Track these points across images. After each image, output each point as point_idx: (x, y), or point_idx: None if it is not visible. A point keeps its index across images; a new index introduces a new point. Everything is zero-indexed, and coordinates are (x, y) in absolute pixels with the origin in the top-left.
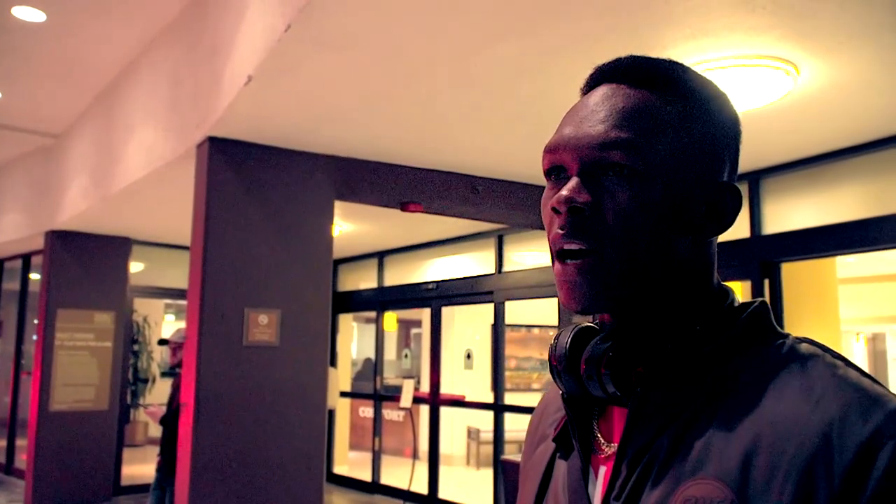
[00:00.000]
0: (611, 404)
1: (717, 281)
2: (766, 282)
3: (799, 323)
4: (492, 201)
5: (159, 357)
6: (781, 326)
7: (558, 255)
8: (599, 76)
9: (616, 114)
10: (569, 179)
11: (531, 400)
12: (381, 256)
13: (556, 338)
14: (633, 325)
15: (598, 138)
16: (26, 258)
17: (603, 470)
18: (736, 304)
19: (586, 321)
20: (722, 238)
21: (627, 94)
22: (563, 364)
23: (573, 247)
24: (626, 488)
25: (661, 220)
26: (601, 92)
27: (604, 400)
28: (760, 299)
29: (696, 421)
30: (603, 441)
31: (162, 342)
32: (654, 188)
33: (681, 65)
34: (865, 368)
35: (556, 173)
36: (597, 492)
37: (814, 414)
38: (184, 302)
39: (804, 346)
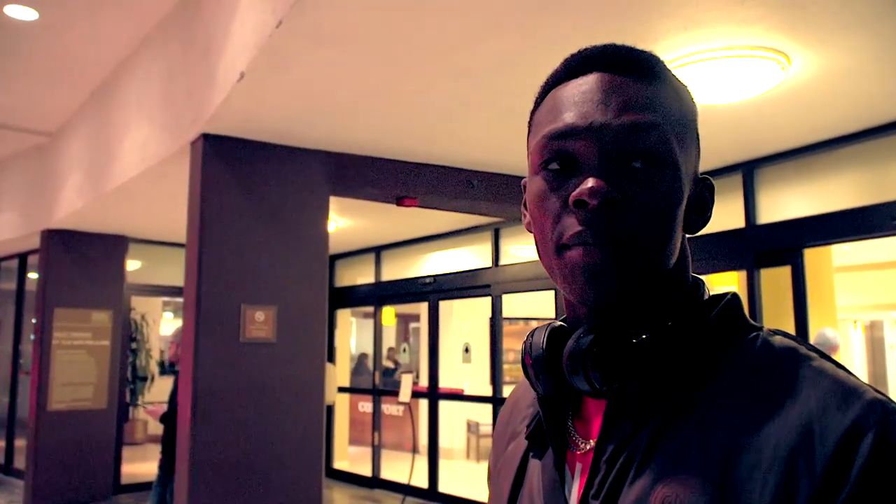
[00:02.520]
0: (593, 397)
1: (690, 274)
2: (761, 272)
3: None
4: (487, 195)
5: (158, 355)
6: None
7: (575, 245)
8: (585, 63)
9: (634, 103)
10: (580, 170)
11: None
12: (378, 251)
13: (530, 336)
14: (614, 319)
15: (625, 126)
16: (23, 257)
17: (579, 467)
18: (707, 297)
19: (557, 320)
20: (717, 228)
21: (632, 84)
22: (540, 364)
23: (602, 239)
24: (605, 486)
25: (678, 215)
26: (600, 79)
27: (583, 395)
28: (732, 291)
29: (675, 417)
30: (579, 438)
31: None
32: (675, 180)
33: (655, 55)
34: (864, 356)
35: (560, 162)
36: (573, 490)
37: (792, 408)
38: (181, 299)
39: (778, 339)
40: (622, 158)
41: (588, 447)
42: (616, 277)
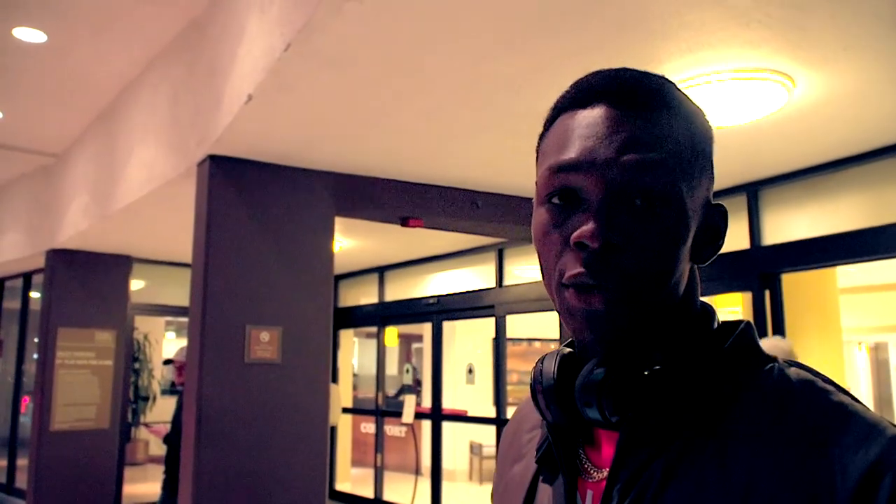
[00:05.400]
0: (605, 428)
1: (699, 301)
2: (767, 293)
3: (801, 333)
4: (492, 215)
5: (160, 375)
6: (783, 337)
7: (575, 287)
8: (593, 94)
9: (639, 139)
10: (582, 206)
11: None
12: (381, 272)
13: (540, 363)
14: (623, 350)
15: (628, 164)
16: (27, 277)
17: (590, 494)
18: (718, 325)
19: (564, 345)
20: (722, 249)
21: (639, 119)
22: (551, 393)
23: (600, 284)
24: None
25: (683, 250)
26: (606, 113)
27: (592, 425)
28: (745, 320)
29: (691, 449)
30: (591, 466)
31: (167, 362)
32: (680, 217)
33: (669, 80)
34: (868, 378)
35: (563, 197)
36: None
37: (812, 444)
38: (184, 319)
39: (794, 372)
40: (625, 197)
41: (600, 476)
42: (614, 320)
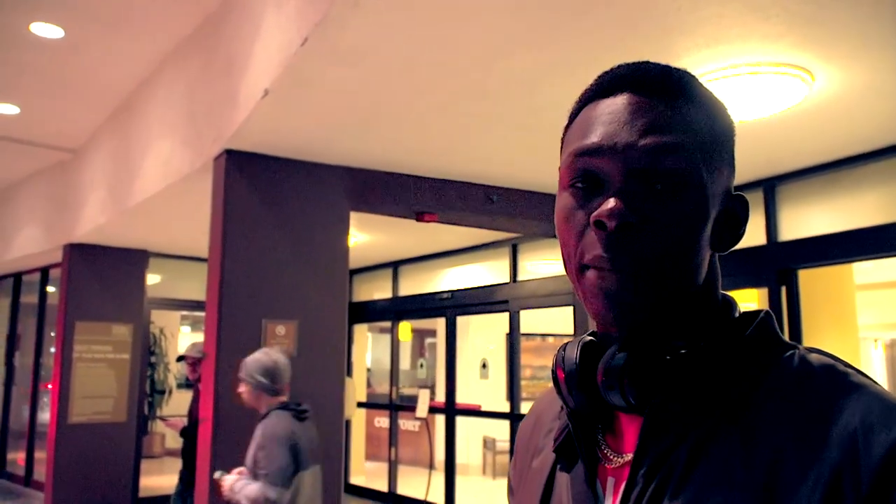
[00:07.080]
0: (627, 413)
1: (720, 292)
2: (784, 289)
3: (817, 330)
4: (506, 210)
5: (176, 369)
6: (800, 333)
7: (595, 267)
8: (617, 83)
9: (660, 124)
10: (604, 189)
11: None
12: (395, 266)
13: (563, 350)
14: (644, 336)
15: (648, 147)
16: (44, 272)
17: (611, 481)
18: (739, 315)
19: (586, 334)
20: (738, 245)
21: (660, 105)
22: (573, 378)
23: (619, 265)
24: (644, 500)
25: (703, 235)
26: (628, 100)
27: (616, 410)
28: (765, 309)
29: (714, 434)
30: (611, 452)
31: (181, 359)
32: (700, 201)
33: (691, 74)
34: (884, 374)
35: (585, 181)
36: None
37: (836, 425)
38: (199, 313)
39: (815, 357)
40: (645, 179)
41: (621, 461)
42: (632, 301)
